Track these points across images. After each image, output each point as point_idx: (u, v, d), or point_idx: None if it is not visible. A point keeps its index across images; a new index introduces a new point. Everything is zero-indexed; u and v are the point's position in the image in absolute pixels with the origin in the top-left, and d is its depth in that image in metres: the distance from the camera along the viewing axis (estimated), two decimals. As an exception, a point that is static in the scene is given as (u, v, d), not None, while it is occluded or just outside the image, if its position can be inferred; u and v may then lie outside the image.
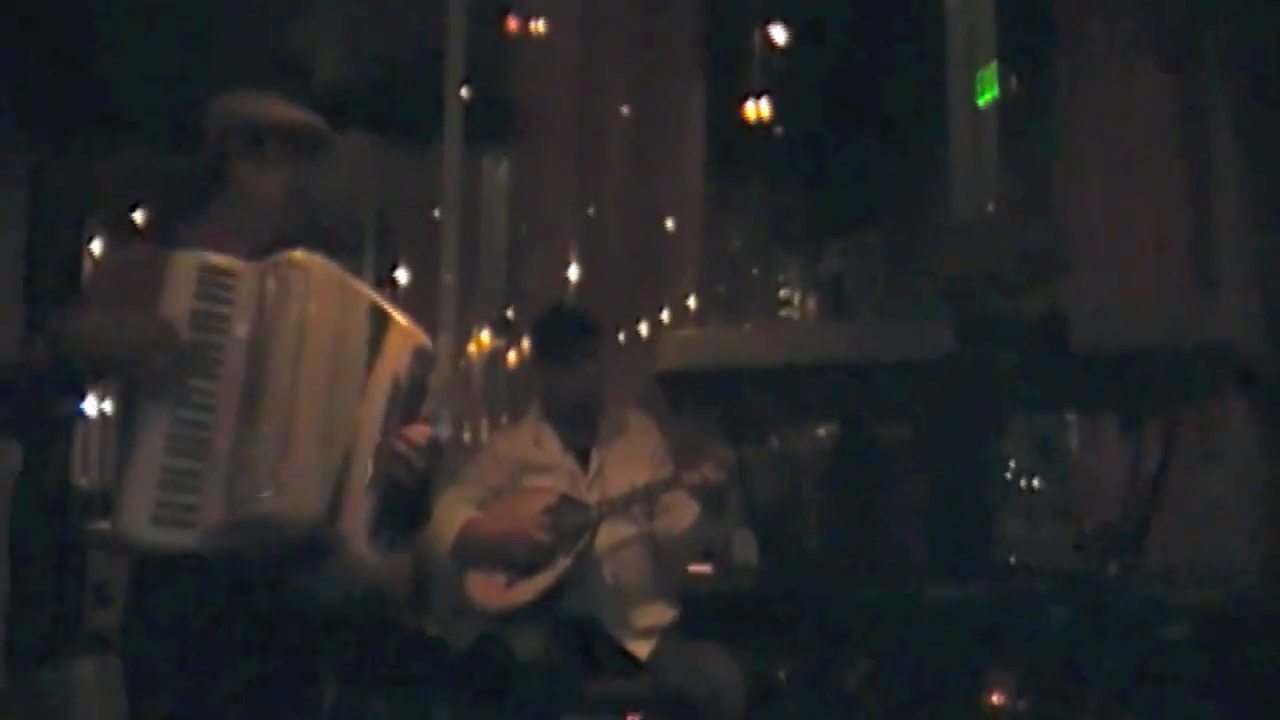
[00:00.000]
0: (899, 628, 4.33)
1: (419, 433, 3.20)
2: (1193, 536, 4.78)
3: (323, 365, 3.03)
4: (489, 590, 4.71)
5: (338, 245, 3.47)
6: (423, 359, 3.28)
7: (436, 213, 7.20)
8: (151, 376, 2.89)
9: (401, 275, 8.97)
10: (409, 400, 3.24)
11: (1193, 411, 4.40)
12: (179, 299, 2.96)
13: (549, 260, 7.65)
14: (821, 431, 4.60)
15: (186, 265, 2.99)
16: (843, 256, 6.10)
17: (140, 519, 2.85)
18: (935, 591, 4.35)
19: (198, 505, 2.88)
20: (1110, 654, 3.95)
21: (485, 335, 8.29)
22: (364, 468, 3.08)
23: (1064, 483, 5.12)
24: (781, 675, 4.65)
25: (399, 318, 3.27)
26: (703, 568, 5.10)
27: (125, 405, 2.99)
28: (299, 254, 3.09)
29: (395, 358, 3.21)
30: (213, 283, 3.00)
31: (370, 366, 3.15)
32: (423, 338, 3.30)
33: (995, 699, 4.49)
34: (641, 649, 4.68)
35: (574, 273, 7.74)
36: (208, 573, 2.94)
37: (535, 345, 5.05)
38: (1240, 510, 5.16)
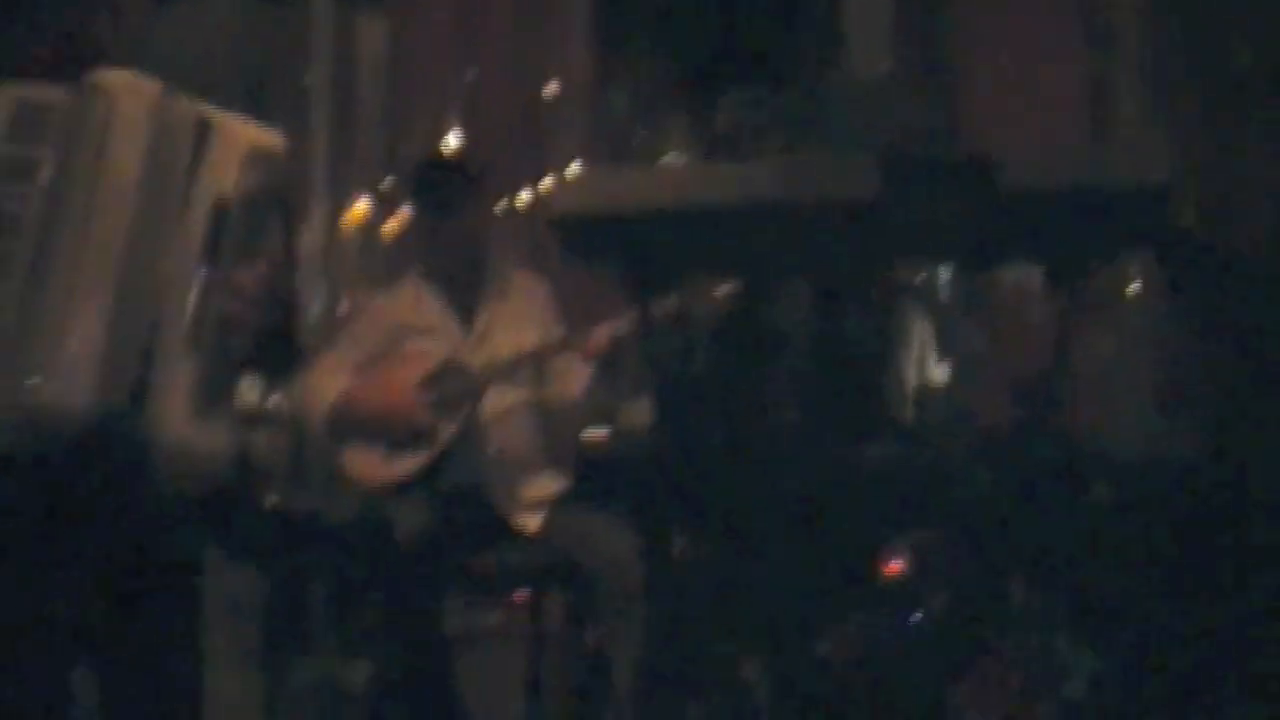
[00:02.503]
0: (802, 492, 4.08)
1: (249, 277, 2.54)
2: (1114, 398, 4.56)
3: (125, 211, 2.44)
4: (368, 464, 4.45)
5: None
6: (262, 165, 2.56)
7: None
8: None
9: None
10: (248, 221, 2.56)
11: (1118, 264, 4.16)
12: None
13: (428, 126, 7.30)
14: (726, 287, 4.31)
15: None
16: (737, 111, 5.79)
17: None
18: (844, 454, 4.11)
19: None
20: (1034, 516, 3.73)
21: (362, 204, 7.94)
22: (179, 327, 2.50)
23: (986, 339, 4.88)
24: (680, 545, 4.40)
25: (228, 118, 2.58)
26: (598, 433, 4.83)
27: None
28: (105, 74, 2.55)
29: (219, 168, 2.53)
30: (28, 120, 2.50)
31: (186, 190, 2.51)
32: (261, 136, 2.59)
33: (895, 566, 4.28)
34: (531, 521, 4.46)
35: (454, 140, 7.44)
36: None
37: (412, 196, 4.74)
38: (1141, 372, 4.94)
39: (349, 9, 7.17)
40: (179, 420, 2.48)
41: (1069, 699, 3.73)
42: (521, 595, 4.67)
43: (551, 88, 7.70)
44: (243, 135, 2.57)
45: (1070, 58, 6.14)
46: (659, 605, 4.18)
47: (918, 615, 4.19)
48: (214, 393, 2.53)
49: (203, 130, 2.54)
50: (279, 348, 2.71)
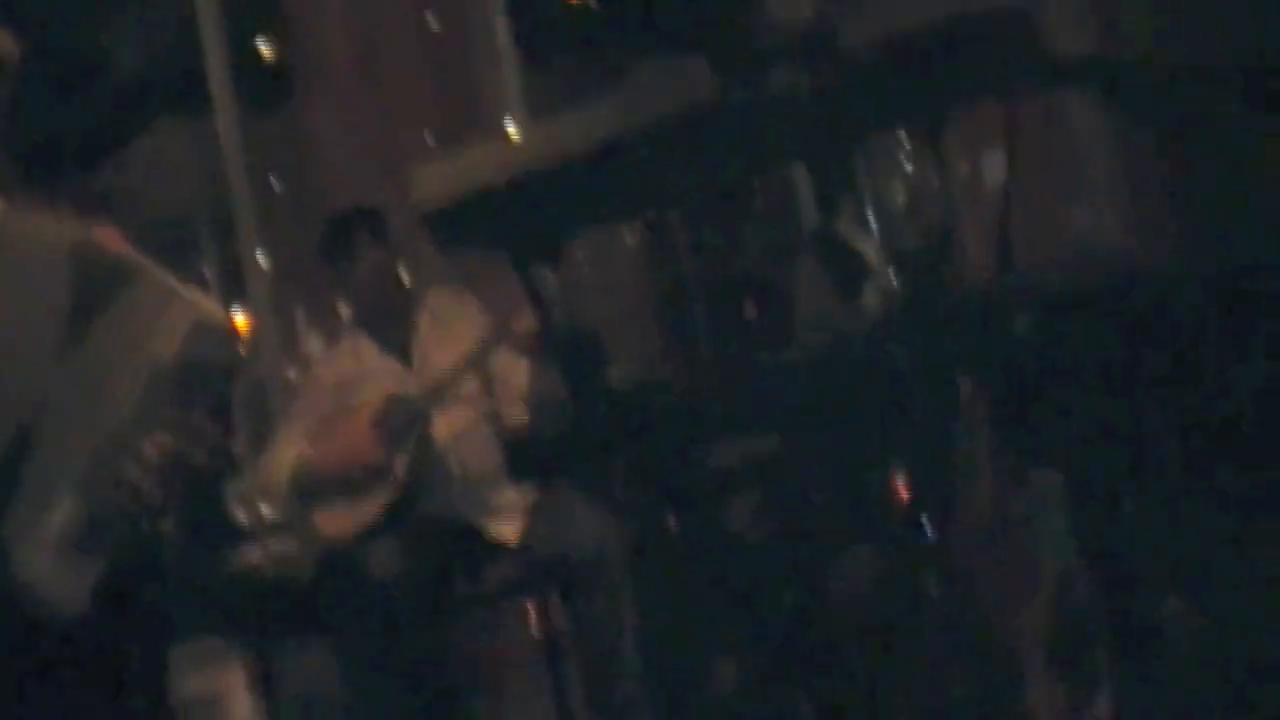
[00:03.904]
0: (760, 414, 3.95)
1: (159, 448, 2.44)
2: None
3: None
4: (336, 520, 4.37)
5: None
6: (208, 339, 2.49)
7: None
8: None
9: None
10: (179, 391, 2.48)
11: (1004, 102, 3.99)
12: None
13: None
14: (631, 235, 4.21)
15: None
16: (656, 78, 5.67)
17: None
18: (775, 363, 3.99)
19: None
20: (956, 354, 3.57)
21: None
22: (51, 456, 2.41)
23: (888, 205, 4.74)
24: (671, 520, 4.28)
25: (177, 286, 2.51)
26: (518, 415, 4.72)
27: None
28: None
29: (160, 333, 2.47)
30: None
31: (78, 327, 2.45)
32: (211, 309, 2.53)
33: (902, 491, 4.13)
34: (508, 530, 4.36)
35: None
36: None
37: (323, 256, 4.68)
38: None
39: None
40: (41, 560, 2.42)
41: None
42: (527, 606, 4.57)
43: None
44: (191, 305, 2.50)
45: None
46: (654, 579, 4.07)
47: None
48: (85, 542, 2.46)
49: (142, 286, 2.48)
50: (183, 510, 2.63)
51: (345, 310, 4.87)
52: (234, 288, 7.97)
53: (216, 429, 2.59)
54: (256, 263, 6.63)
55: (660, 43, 4.48)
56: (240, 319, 8.07)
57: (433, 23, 6.92)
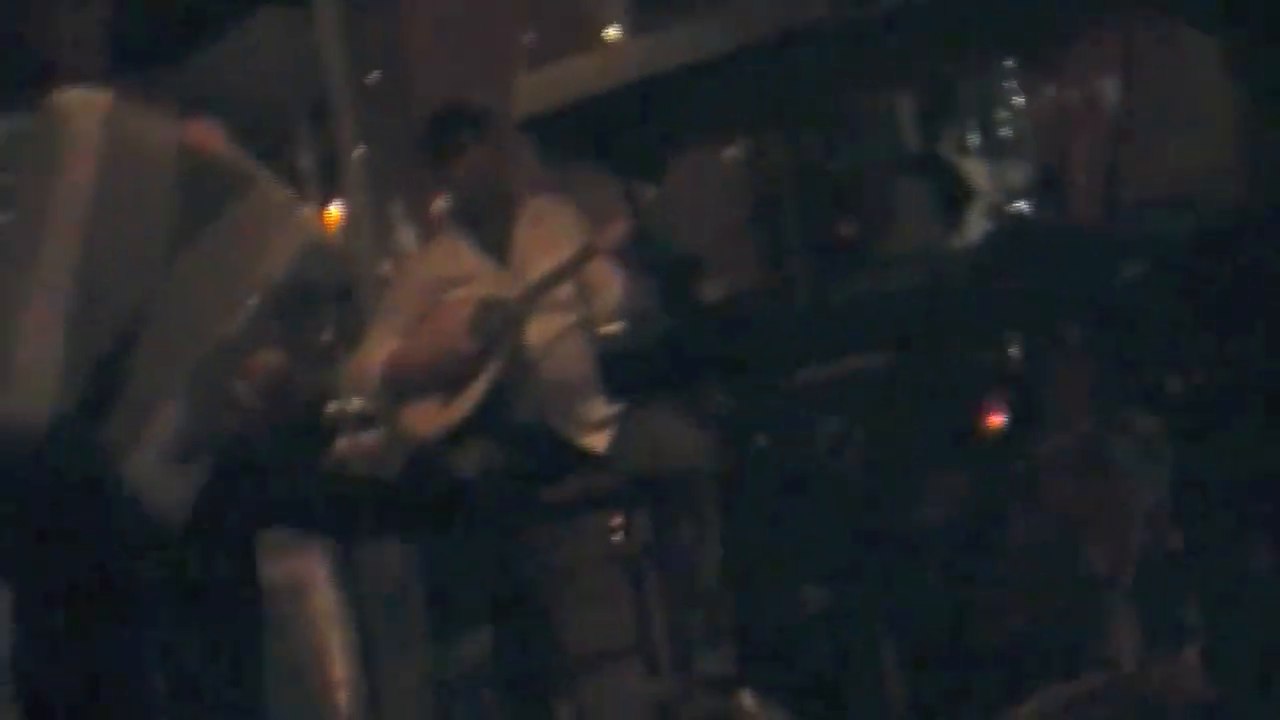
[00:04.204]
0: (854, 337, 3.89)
1: (265, 367, 2.52)
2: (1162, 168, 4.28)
3: (78, 224, 2.42)
4: (426, 415, 4.41)
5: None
6: (318, 261, 2.57)
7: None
8: None
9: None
10: (289, 311, 2.55)
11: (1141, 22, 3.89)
12: None
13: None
14: (731, 151, 4.17)
15: None
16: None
17: None
18: (873, 285, 3.92)
19: None
20: (1070, 302, 3.51)
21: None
22: (156, 361, 2.47)
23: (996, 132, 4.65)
24: (760, 438, 4.24)
25: (294, 204, 2.63)
26: (610, 328, 4.71)
27: None
28: (59, 94, 2.52)
29: (272, 251, 2.55)
30: (9, 150, 2.49)
31: (186, 233, 2.50)
32: (323, 231, 2.79)
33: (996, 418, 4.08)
34: (598, 441, 4.36)
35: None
36: None
37: (428, 148, 4.66)
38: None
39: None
40: (146, 465, 2.45)
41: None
42: (612, 519, 4.55)
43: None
44: (301, 226, 2.59)
45: None
46: (744, 500, 4.04)
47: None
48: (187, 450, 2.49)
49: (252, 200, 2.55)
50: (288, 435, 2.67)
51: (442, 207, 4.85)
52: (329, 178, 8.00)
53: (322, 348, 2.63)
54: (353, 155, 6.63)
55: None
56: (335, 210, 8.12)
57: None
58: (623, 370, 4.44)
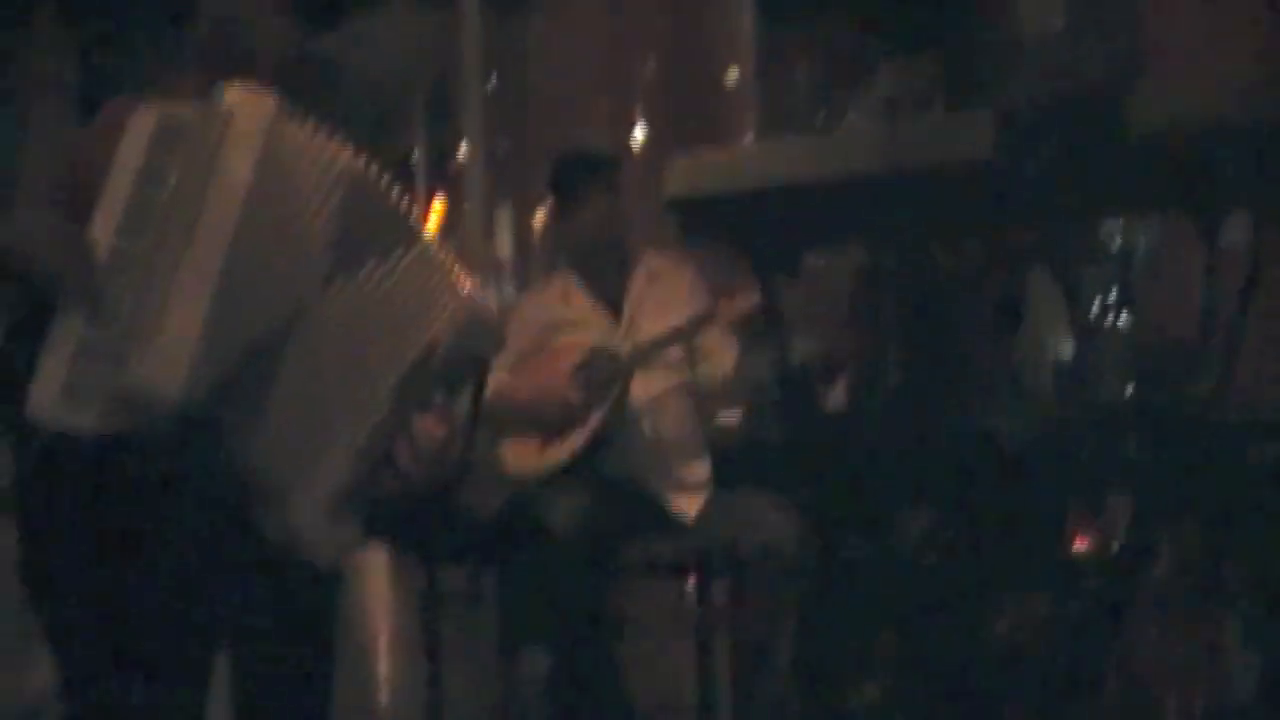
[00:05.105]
0: (958, 470, 3.95)
1: (432, 431, 2.58)
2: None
3: (231, 217, 2.47)
4: (523, 455, 4.45)
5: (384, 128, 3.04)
6: (476, 332, 2.59)
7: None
8: (68, 291, 2.49)
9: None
10: (446, 375, 2.60)
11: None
12: (131, 155, 2.55)
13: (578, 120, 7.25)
14: (855, 254, 4.21)
15: (145, 117, 2.57)
16: (896, 78, 5.66)
17: (49, 396, 2.46)
18: (990, 426, 3.97)
19: (102, 379, 2.47)
20: (1192, 487, 3.55)
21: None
22: (313, 398, 2.52)
23: (1130, 299, 4.67)
24: (842, 526, 4.30)
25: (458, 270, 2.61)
26: (730, 415, 4.76)
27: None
28: (228, 91, 2.62)
29: (436, 319, 2.58)
30: (166, 135, 2.57)
31: (345, 261, 2.55)
32: (482, 307, 2.65)
33: (1079, 544, 4.12)
34: (689, 505, 4.39)
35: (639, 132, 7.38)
36: (112, 459, 2.52)
37: (552, 190, 4.72)
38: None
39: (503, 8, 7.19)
40: (309, 511, 2.51)
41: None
42: (688, 580, 4.61)
43: (730, 72, 7.62)
44: (464, 297, 2.59)
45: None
46: (820, 589, 4.10)
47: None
48: (348, 503, 2.55)
49: (418, 256, 2.58)
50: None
51: (545, 224, 4.89)
52: (439, 175, 8.07)
53: (472, 414, 2.68)
54: (467, 155, 6.69)
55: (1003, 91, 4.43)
56: (438, 204, 8.18)
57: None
58: (736, 460, 4.51)
